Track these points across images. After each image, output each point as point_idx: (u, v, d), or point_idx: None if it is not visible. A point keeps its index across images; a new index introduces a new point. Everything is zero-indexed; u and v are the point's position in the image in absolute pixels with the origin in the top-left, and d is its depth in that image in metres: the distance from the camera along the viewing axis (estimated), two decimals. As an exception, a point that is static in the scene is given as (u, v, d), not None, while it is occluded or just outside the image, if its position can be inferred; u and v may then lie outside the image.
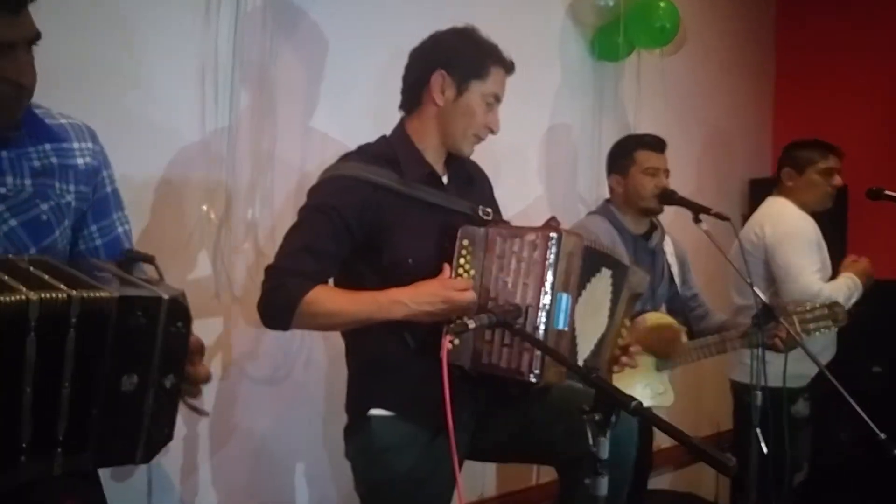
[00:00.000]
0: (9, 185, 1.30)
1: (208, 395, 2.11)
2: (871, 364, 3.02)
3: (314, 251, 1.65)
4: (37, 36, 1.25)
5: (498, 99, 1.79)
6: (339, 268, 1.72)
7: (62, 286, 1.11)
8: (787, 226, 2.79)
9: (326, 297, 1.64)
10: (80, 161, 1.40)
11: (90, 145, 1.42)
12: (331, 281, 1.74)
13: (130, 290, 1.17)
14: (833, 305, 2.49)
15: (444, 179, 1.84)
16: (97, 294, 1.12)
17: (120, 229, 1.49)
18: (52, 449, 1.14)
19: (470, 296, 1.63)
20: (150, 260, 1.37)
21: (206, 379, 1.35)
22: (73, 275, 1.18)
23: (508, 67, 1.80)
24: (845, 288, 2.69)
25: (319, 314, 1.62)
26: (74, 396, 1.13)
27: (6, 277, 1.10)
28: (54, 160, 1.36)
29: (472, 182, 1.92)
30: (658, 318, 2.49)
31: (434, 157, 1.81)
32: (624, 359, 1.87)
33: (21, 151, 1.32)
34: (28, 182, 1.32)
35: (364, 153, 1.77)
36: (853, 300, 2.71)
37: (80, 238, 1.43)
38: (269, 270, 1.66)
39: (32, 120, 1.33)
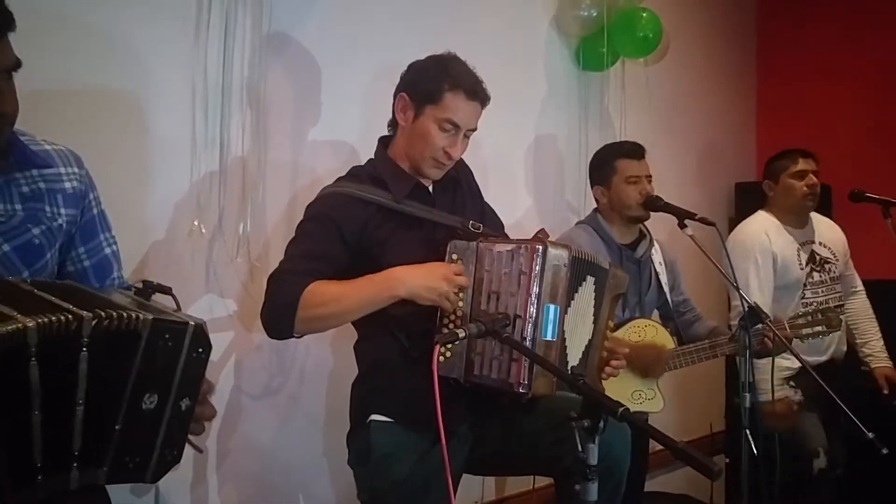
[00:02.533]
0: (0, 211, 1.32)
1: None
2: (860, 363, 3.06)
3: (311, 254, 1.70)
4: (16, 64, 1.26)
5: (455, 125, 1.79)
6: (338, 276, 1.75)
7: (74, 307, 1.14)
8: (742, 234, 2.88)
9: (323, 287, 1.66)
10: (67, 185, 1.43)
11: (76, 170, 1.45)
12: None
13: (161, 315, 1.22)
14: (827, 311, 2.54)
15: (431, 188, 1.89)
16: (131, 314, 1.17)
17: (107, 250, 1.52)
18: (68, 466, 1.17)
19: (465, 280, 1.69)
20: (166, 291, 1.41)
21: (211, 417, 1.40)
22: (104, 298, 1.24)
23: (471, 94, 1.79)
24: None
25: (319, 304, 1.64)
26: (97, 412, 1.16)
27: (55, 299, 1.15)
28: (42, 185, 1.39)
29: (458, 185, 1.97)
30: (642, 331, 2.50)
31: (417, 174, 1.87)
32: (608, 369, 1.91)
33: (9, 178, 1.34)
34: (19, 207, 1.35)
35: (355, 175, 1.85)
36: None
37: (68, 260, 1.46)
38: (269, 278, 1.71)
39: (19, 147, 1.36)
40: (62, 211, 1.41)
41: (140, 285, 1.40)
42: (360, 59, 2.48)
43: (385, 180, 1.82)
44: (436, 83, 1.79)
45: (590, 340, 1.83)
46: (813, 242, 2.94)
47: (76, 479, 1.18)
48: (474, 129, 1.86)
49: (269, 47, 2.24)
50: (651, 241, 2.66)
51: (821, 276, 2.90)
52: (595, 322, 1.84)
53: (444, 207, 1.88)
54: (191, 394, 1.26)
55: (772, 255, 2.83)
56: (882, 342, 3.00)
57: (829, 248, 2.96)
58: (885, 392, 2.87)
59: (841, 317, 2.55)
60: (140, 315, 1.18)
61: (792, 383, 2.78)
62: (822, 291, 2.89)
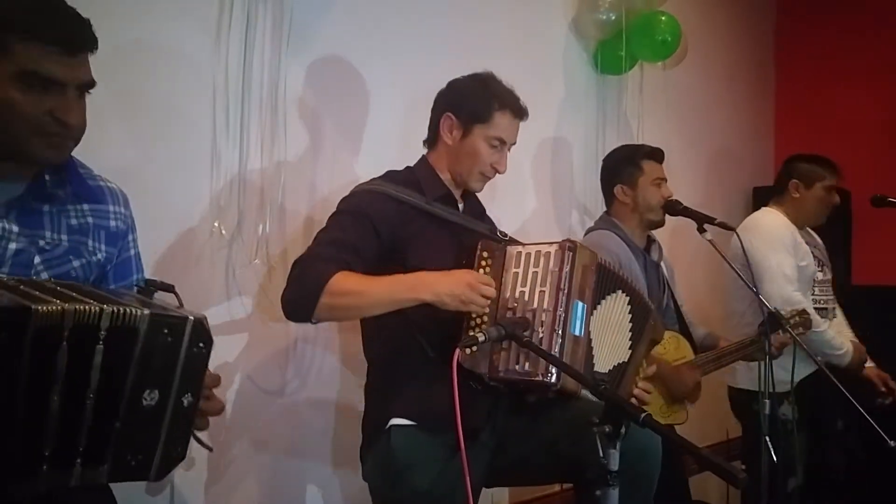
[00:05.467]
0: (47, 239, 1.35)
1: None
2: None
3: (340, 244, 1.71)
4: (90, 83, 1.30)
5: (503, 142, 1.92)
6: (365, 271, 1.75)
7: (93, 301, 1.15)
8: (767, 228, 2.84)
9: (351, 278, 1.66)
10: (112, 223, 1.47)
11: (122, 210, 1.49)
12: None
13: (159, 310, 1.22)
14: (802, 313, 2.54)
15: (461, 206, 1.98)
16: (129, 309, 1.17)
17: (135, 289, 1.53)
18: (72, 460, 1.16)
19: (491, 291, 1.69)
20: (169, 289, 1.41)
21: (219, 412, 1.39)
22: (103, 294, 1.23)
23: (517, 113, 1.93)
24: (840, 339, 2.74)
25: (344, 293, 1.64)
26: (99, 408, 1.16)
27: (37, 293, 1.14)
28: (90, 220, 1.43)
29: (482, 218, 2.04)
30: (665, 344, 2.42)
31: (451, 186, 1.95)
32: (636, 391, 1.92)
33: (62, 209, 1.38)
34: (65, 238, 1.38)
35: (390, 177, 1.91)
36: (827, 354, 2.72)
37: None
38: (295, 262, 1.72)
39: (78, 180, 1.40)
40: (102, 247, 1.44)
41: (142, 284, 1.43)
42: (376, 61, 2.49)
43: (420, 184, 1.90)
44: (485, 104, 1.89)
45: (624, 363, 1.86)
46: (813, 245, 2.95)
47: (78, 475, 1.16)
48: (514, 143, 1.98)
49: (289, 49, 2.24)
50: (659, 245, 2.64)
51: (823, 276, 2.92)
52: (632, 349, 1.87)
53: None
54: (193, 389, 1.24)
55: (795, 246, 2.82)
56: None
57: (822, 252, 2.99)
58: (883, 390, 2.85)
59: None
60: (138, 310, 1.17)
61: (790, 398, 2.73)
62: (826, 291, 2.92)
